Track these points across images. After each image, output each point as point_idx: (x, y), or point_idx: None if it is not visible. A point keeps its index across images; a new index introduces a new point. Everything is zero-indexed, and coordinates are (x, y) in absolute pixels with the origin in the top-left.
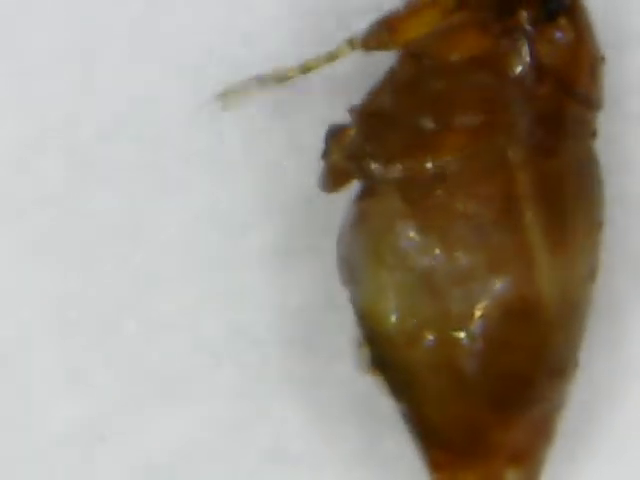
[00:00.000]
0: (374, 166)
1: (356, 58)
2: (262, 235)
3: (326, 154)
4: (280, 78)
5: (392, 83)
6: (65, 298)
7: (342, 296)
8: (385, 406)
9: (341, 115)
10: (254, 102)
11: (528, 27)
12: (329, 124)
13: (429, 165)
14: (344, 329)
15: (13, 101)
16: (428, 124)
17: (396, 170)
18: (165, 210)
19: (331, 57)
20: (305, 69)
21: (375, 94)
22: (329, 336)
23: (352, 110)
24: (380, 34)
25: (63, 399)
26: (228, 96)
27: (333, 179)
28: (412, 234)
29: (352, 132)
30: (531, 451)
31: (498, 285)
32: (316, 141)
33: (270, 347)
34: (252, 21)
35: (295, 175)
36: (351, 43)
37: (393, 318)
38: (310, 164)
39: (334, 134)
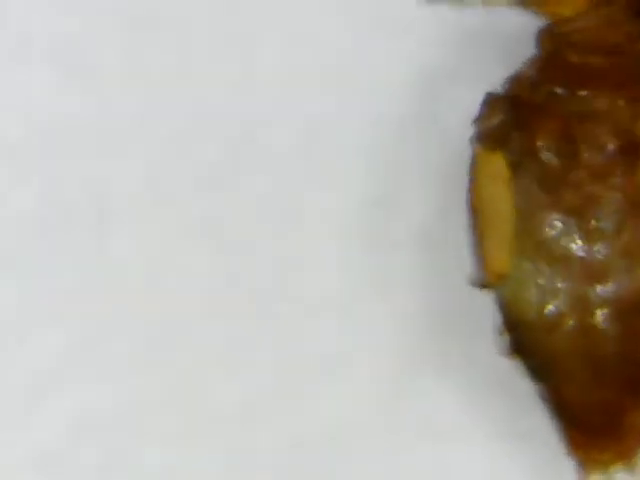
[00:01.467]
0: (517, 149)
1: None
2: (410, 218)
3: (480, 120)
4: None
5: (539, 69)
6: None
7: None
8: (526, 385)
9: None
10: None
11: None
12: (486, 94)
13: (565, 157)
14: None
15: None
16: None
17: (536, 157)
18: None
19: None
20: None
21: (521, 78)
22: (475, 316)
23: (495, 94)
24: None
25: None
26: None
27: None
28: (552, 222)
29: (498, 116)
30: None
31: (633, 273)
32: None
33: (421, 328)
34: None
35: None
36: None
37: (533, 306)
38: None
39: (490, 103)
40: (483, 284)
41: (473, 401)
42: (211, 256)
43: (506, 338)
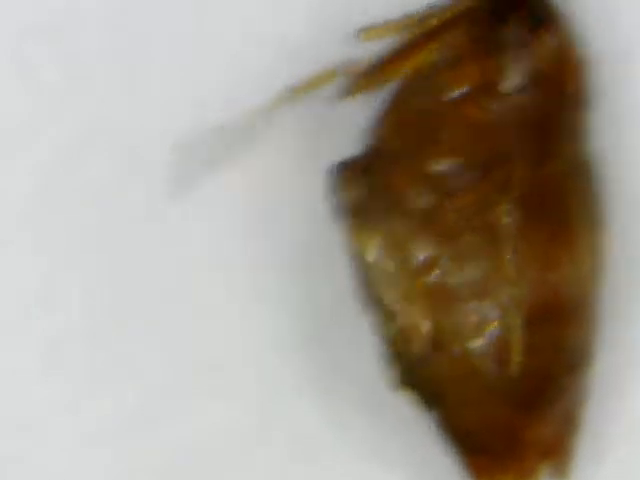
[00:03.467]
0: (381, 206)
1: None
2: (279, 244)
3: (334, 191)
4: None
5: (392, 123)
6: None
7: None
8: (398, 404)
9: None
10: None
11: (518, 37)
12: (334, 163)
13: (434, 199)
14: (358, 326)
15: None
16: (429, 160)
17: (404, 202)
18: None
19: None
20: (312, 85)
21: (376, 135)
22: (345, 334)
23: (346, 162)
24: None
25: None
26: (251, 118)
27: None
28: (426, 254)
29: (354, 186)
30: (560, 444)
31: (514, 292)
32: None
33: (288, 347)
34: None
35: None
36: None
37: (418, 336)
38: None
39: (341, 172)
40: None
41: (345, 423)
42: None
43: (394, 371)
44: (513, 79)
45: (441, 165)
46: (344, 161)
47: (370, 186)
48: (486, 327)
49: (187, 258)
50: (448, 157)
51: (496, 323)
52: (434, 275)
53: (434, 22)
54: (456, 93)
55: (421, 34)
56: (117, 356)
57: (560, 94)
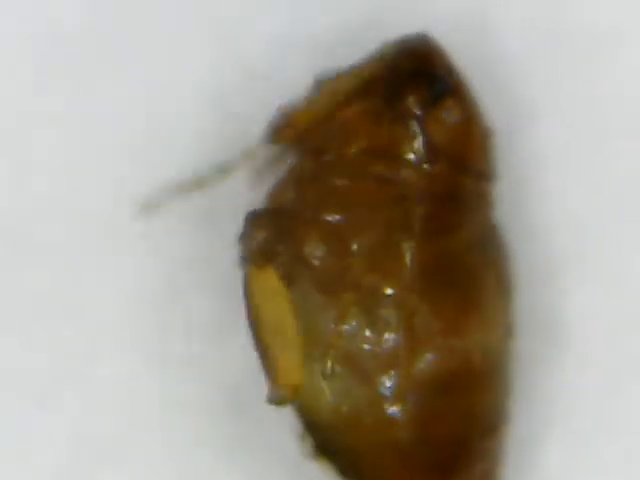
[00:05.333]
0: (286, 261)
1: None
2: (194, 309)
3: (245, 239)
4: (199, 184)
5: (295, 180)
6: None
7: None
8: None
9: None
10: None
11: (417, 111)
12: (247, 212)
13: (336, 257)
14: None
15: None
16: (331, 219)
17: (307, 264)
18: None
19: (245, 156)
20: (222, 172)
21: (279, 192)
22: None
23: (256, 211)
24: (281, 129)
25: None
26: (149, 206)
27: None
28: (332, 323)
29: (262, 233)
30: None
31: (423, 360)
32: None
33: (202, 414)
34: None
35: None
36: (268, 139)
37: (328, 407)
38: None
39: (252, 221)
40: (279, 400)
41: None
42: None
43: (308, 441)
44: (411, 153)
45: (338, 221)
46: (254, 210)
47: (276, 233)
48: (396, 396)
49: None
50: (346, 213)
51: (406, 391)
52: (344, 338)
53: (331, 97)
54: (355, 150)
55: (319, 108)
56: None
57: (463, 166)
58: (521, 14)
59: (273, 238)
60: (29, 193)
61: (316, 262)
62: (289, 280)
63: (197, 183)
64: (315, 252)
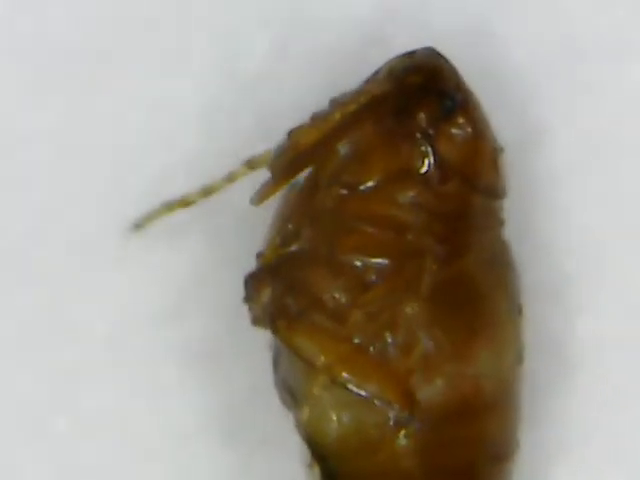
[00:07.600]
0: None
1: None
2: (188, 332)
3: (250, 304)
4: (185, 203)
5: (310, 217)
6: None
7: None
8: None
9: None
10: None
11: (428, 128)
12: (245, 277)
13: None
14: (269, 421)
15: None
16: (346, 259)
17: (321, 304)
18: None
19: (231, 178)
20: (207, 192)
21: (294, 226)
22: (255, 428)
23: (254, 273)
24: (286, 154)
25: None
26: (137, 225)
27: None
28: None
29: (266, 293)
30: None
31: (432, 387)
32: None
33: (199, 442)
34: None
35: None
36: (250, 164)
37: (337, 436)
38: None
39: (253, 285)
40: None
41: None
42: None
43: (316, 470)
44: (421, 171)
45: (351, 260)
46: (251, 272)
47: (284, 286)
48: (404, 425)
49: None
50: (358, 253)
51: (416, 418)
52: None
53: (338, 117)
54: (365, 187)
55: (328, 130)
56: None
57: (473, 183)
58: (531, 29)
59: (279, 294)
60: (20, 211)
61: (330, 300)
62: (304, 322)
63: (183, 202)
64: (330, 291)
